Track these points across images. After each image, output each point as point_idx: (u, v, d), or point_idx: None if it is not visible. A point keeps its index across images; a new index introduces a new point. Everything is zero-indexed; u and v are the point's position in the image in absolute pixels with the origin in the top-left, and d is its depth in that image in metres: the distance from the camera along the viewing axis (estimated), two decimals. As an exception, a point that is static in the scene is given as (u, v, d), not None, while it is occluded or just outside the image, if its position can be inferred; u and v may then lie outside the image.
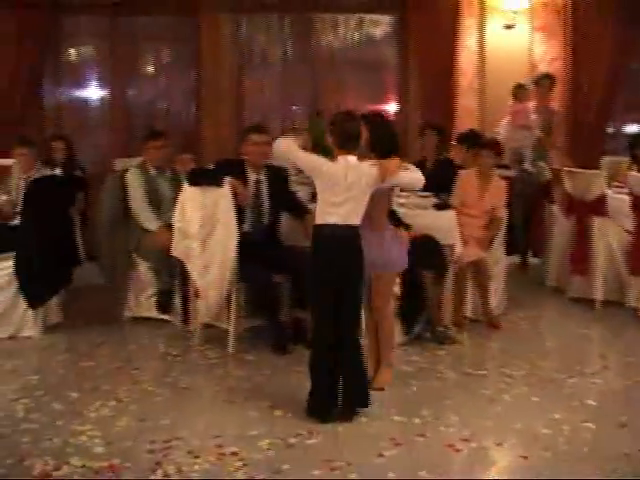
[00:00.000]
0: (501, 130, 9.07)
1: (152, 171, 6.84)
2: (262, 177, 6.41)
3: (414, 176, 5.07)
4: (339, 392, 4.90)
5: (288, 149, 5.09)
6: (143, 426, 4.78)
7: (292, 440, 4.57)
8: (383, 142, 5.10)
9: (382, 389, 5.33)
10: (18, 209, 6.81)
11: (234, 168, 6.26)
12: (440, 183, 6.97)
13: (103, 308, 7.20)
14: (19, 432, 4.71)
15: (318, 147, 7.21)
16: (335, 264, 4.83)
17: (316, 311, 5.00)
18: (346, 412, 4.89)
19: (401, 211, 6.50)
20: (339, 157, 4.85)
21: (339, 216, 4.81)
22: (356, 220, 4.85)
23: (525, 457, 4.38)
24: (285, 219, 6.57)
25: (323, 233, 4.88)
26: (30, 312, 6.48)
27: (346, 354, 4.87)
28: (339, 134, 4.86)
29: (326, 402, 4.90)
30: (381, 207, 5.18)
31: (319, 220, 4.91)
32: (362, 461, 4.32)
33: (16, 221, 6.79)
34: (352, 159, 4.85)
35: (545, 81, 9.18)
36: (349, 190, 4.81)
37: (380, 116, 5.60)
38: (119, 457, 4.35)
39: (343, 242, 4.85)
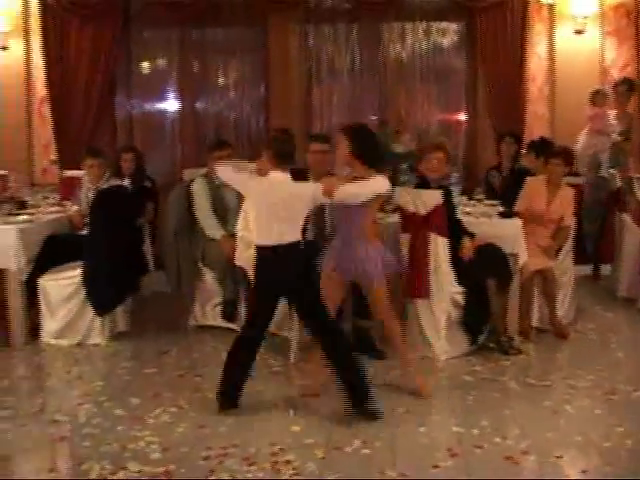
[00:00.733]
0: (580, 137, 8.91)
1: (217, 181, 6.89)
2: None
3: (352, 192, 5.05)
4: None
5: (223, 174, 5.31)
6: (201, 433, 4.83)
7: (347, 449, 4.56)
8: (366, 151, 5.17)
9: (429, 396, 5.39)
10: (87, 219, 6.95)
11: (297, 177, 6.25)
12: (514, 192, 6.92)
13: (169, 316, 7.31)
14: (80, 436, 4.81)
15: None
16: (276, 284, 5.05)
17: (254, 319, 5.15)
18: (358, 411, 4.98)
19: (466, 219, 6.45)
20: (269, 174, 4.98)
21: (274, 235, 4.94)
22: (292, 237, 4.96)
23: (584, 471, 4.29)
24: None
25: (261, 255, 5.05)
26: (97, 320, 6.59)
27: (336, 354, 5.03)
28: (275, 152, 4.98)
29: (230, 394, 5.10)
30: (362, 218, 5.20)
31: (257, 240, 5.07)
32: (417, 472, 4.28)
33: (86, 231, 6.94)
34: (282, 176, 4.98)
35: (623, 86, 8.97)
36: (277, 207, 4.92)
37: (361, 127, 5.58)
38: (175, 463, 4.41)
39: (282, 261, 4.99)
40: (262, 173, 5.02)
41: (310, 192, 5.02)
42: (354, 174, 5.18)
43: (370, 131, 5.50)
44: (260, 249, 5.04)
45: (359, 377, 5.02)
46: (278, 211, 4.92)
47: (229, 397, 5.11)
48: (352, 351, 5.10)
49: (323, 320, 5.10)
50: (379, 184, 5.12)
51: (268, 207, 4.96)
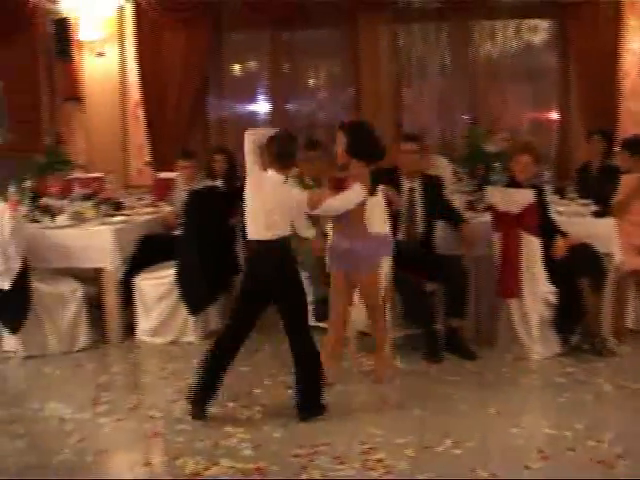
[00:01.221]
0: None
1: (309, 181, 6.93)
2: (416, 185, 6.40)
3: (334, 206, 5.24)
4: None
5: (249, 139, 5.08)
6: (291, 430, 4.87)
7: (439, 449, 4.55)
8: (363, 148, 5.33)
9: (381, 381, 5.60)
10: (180, 220, 7.07)
11: (388, 176, 6.27)
12: (604, 190, 6.79)
13: (262, 315, 7.29)
14: (175, 432, 4.91)
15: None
16: (260, 279, 5.08)
17: (235, 319, 5.18)
18: (301, 414, 5.04)
19: (559, 219, 6.36)
20: (267, 172, 5.00)
21: (261, 229, 5.00)
22: (280, 232, 5.02)
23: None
24: (440, 227, 6.52)
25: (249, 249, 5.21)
26: (191, 319, 6.71)
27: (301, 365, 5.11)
28: (276, 152, 4.97)
29: (203, 396, 5.06)
30: (355, 217, 5.37)
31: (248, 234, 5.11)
32: (507, 472, 4.24)
33: (179, 231, 7.05)
34: (277, 176, 4.99)
35: None
36: (265, 203, 4.96)
37: (359, 123, 5.72)
38: (266, 460, 4.46)
39: (266, 256, 5.04)
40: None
41: (295, 200, 5.08)
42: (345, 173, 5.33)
43: (369, 128, 5.55)
44: (248, 243, 5.15)
45: (319, 381, 5.13)
46: (266, 207, 4.98)
47: (199, 404, 5.07)
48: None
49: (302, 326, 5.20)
50: (356, 194, 5.23)
51: (260, 201, 5.01)
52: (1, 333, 6.69)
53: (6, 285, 6.33)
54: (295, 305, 5.15)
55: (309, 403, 5.07)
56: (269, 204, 4.97)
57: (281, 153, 4.99)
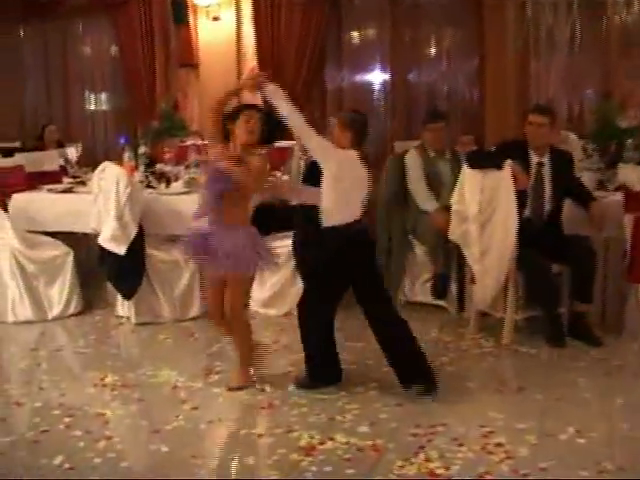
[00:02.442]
0: None
1: (431, 153, 6.72)
2: (545, 160, 6.12)
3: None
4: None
5: (292, 116, 4.91)
6: (408, 409, 4.75)
7: (562, 437, 4.35)
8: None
9: (238, 389, 5.10)
10: (298, 189, 6.93)
11: (516, 150, 6.01)
12: None
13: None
14: (289, 405, 4.84)
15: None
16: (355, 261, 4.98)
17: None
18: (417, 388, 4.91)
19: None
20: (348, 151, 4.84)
21: (357, 210, 4.90)
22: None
23: None
24: (568, 205, 6.22)
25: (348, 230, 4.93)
26: (306, 290, 6.58)
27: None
28: (356, 132, 4.90)
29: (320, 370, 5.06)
30: (244, 203, 4.98)
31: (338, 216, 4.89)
32: (635, 466, 4.01)
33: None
34: (356, 155, 4.88)
35: None
36: (356, 183, 4.86)
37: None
38: (383, 438, 4.35)
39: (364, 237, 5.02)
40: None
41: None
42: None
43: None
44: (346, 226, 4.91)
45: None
46: (363, 185, 4.92)
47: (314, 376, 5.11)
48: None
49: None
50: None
51: (352, 181, 4.88)
52: (115, 298, 6.71)
53: (122, 250, 6.33)
54: (378, 275, 5.13)
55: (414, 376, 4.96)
56: (365, 182, 4.92)
57: (361, 133, 4.94)
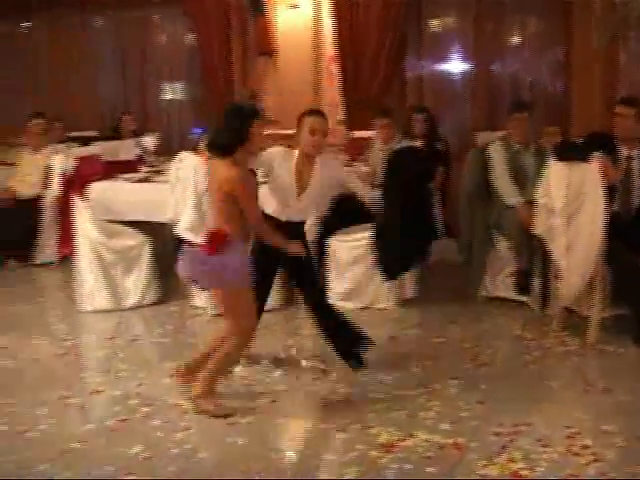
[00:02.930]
0: None
1: (516, 145, 6.55)
2: (634, 153, 5.91)
3: None
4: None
5: None
6: (490, 407, 4.63)
7: (653, 441, 4.17)
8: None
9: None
10: (377, 181, 6.83)
11: (604, 143, 5.82)
12: None
13: (458, 285, 7.03)
14: (368, 400, 4.75)
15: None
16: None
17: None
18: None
19: None
20: None
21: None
22: None
23: None
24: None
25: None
26: (385, 285, 6.46)
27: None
28: None
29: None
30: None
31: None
32: None
33: (375, 192, 6.82)
34: None
35: None
36: None
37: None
38: (464, 436, 4.24)
39: None
40: None
41: None
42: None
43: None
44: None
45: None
46: None
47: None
48: None
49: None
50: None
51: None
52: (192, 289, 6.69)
53: (198, 239, 6.28)
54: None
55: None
56: None
57: None
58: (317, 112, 5.21)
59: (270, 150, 5.15)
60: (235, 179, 4.38)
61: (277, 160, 5.07)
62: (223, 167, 4.43)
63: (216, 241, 4.42)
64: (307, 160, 5.08)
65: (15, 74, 11.78)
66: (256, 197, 4.70)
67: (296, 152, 5.12)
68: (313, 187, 5.11)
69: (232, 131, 4.46)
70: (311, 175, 5.10)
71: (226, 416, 4.54)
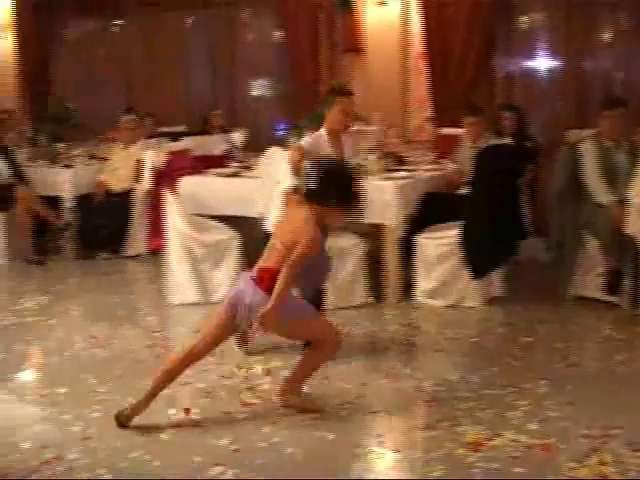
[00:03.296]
0: None
1: (607, 143, 6.44)
2: None
3: None
4: None
5: None
6: (580, 408, 4.55)
7: None
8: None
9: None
10: (466, 178, 6.80)
11: None
12: None
13: (546, 284, 6.90)
14: (456, 398, 4.71)
15: None
16: None
17: None
18: None
19: None
20: None
21: None
22: None
23: None
24: None
25: None
26: (472, 283, 6.42)
27: None
28: None
29: None
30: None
31: None
32: None
33: (463, 190, 6.79)
34: None
35: None
36: None
37: None
38: (553, 437, 4.17)
39: None
40: None
41: None
42: None
43: None
44: None
45: None
46: None
47: None
48: None
49: None
50: None
51: None
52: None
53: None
54: None
55: None
56: None
57: None
58: (349, 93, 5.62)
59: (303, 145, 5.66)
60: (316, 242, 4.32)
61: (317, 147, 5.53)
62: (304, 218, 4.35)
63: (269, 279, 4.34)
64: (335, 135, 5.67)
65: (108, 71, 12.06)
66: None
67: (322, 131, 5.59)
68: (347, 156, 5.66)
69: (337, 188, 4.39)
70: (343, 147, 5.73)
71: (313, 411, 4.58)
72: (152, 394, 4.49)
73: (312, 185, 4.37)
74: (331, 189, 4.36)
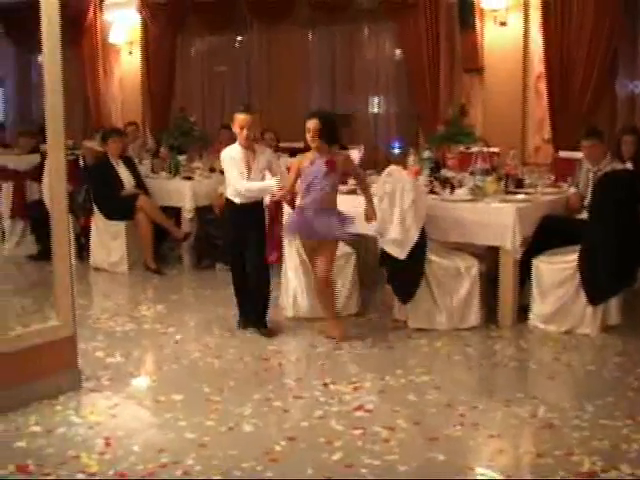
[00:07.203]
0: None
1: None
2: None
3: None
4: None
5: None
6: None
7: None
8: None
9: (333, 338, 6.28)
10: (586, 202, 6.70)
11: None
12: None
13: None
14: (570, 427, 4.65)
15: None
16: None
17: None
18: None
19: None
20: None
21: None
22: None
23: None
24: None
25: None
26: (589, 309, 6.32)
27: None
28: None
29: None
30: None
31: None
32: None
33: (583, 215, 6.70)
34: None
35: None
36: None
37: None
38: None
39: None
40: None
41: None
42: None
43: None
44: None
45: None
46: None
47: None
48: None
49: None
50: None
51: None
52: (393, 301, 6.76)
53: (402, 255, 6.35)
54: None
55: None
56: None
57: None
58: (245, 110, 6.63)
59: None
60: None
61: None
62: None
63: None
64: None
65: (230, 85, 12.33)
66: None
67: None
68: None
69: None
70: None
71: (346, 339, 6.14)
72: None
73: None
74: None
